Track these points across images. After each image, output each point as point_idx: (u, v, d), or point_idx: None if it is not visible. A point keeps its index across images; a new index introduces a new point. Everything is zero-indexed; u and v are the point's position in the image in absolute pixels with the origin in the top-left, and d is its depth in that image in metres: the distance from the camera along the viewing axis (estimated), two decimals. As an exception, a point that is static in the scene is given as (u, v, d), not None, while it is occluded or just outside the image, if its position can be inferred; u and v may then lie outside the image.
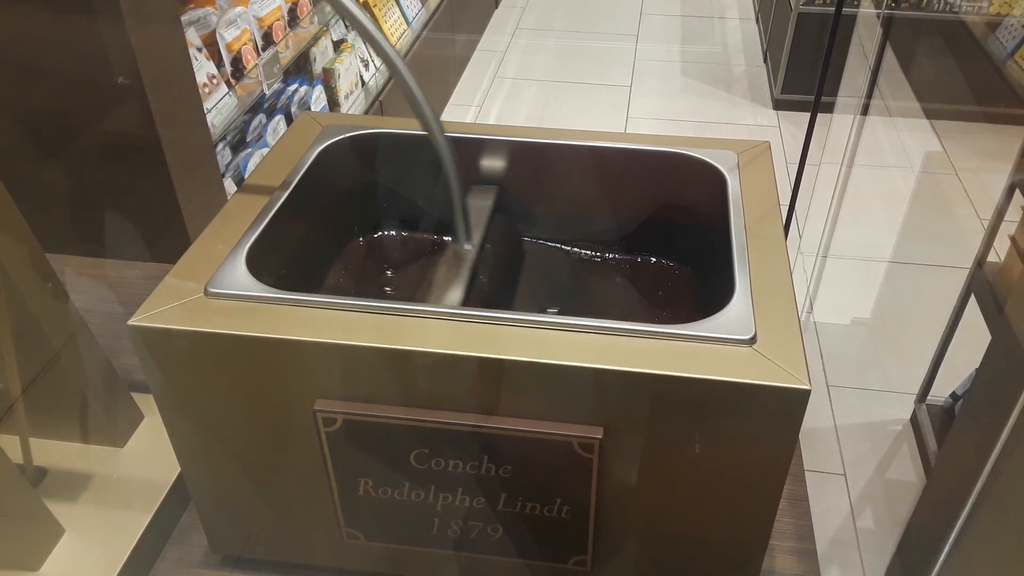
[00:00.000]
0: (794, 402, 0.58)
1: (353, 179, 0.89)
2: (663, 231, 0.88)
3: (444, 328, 0.63)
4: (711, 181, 0.80)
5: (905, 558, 1.59)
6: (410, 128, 0.88)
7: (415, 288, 0.87)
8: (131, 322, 0.64)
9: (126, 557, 0.80)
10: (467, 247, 0.78)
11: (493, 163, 0.88)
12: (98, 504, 0.85)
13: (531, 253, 0.91)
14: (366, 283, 0.87)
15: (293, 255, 0.80)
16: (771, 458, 0.61)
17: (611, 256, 0.90)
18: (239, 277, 0.68)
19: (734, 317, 0.63)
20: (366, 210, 0.92)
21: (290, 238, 0.79)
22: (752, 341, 0.61)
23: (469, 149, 0.88)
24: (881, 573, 1.66)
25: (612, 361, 0.60)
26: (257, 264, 0.70)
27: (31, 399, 0.83)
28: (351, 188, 0.89)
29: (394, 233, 0.93)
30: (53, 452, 0.89)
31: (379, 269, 0.90)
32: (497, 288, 0.80)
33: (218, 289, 0.66)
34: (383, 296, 0.87)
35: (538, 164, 0.86)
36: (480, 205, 0.85)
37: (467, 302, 0.74)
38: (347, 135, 0.86)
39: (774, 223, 0.73)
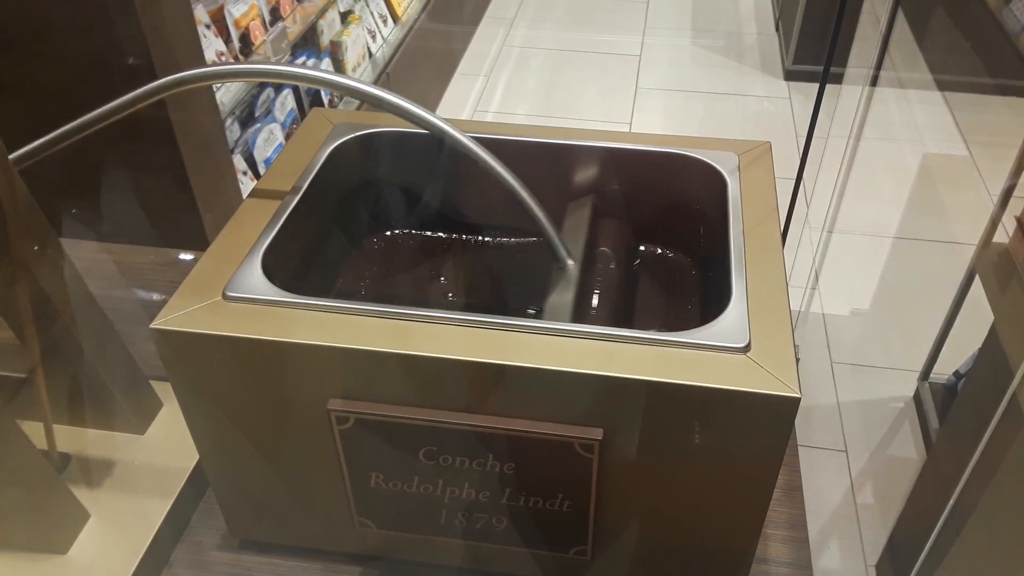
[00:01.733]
0: (784, 409, 0.60)
1: (365, 178, 0.91)
2: (663, 230, 0.90)
3: (452, 333, 0.66)
4: (712, 183, 0.82)
5: (903, 533, 1.63)
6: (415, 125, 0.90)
7: (429, 287, 0.90)
8: (153, 325, 0.67)
9: (149, 540, 0.84)
10: (569, 263, 0.78)
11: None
12: (121, 489, 0.89)
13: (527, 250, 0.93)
14: (380, 283, 0.90)
15: (307, 257, 0.82)
16: (762, 460, 0.64)
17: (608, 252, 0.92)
18: (255, 281, 0.70)
19: (729, 325, 0.65)
20: (379, 209, 0.94)
21: (303, 240, 0.81)
22: (746, 349, 0.63)
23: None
24: (880, 547, 1.70)
25: (612, 368, 0.62)
26: (272, 267, 0.73)
27: (49, 380, 0.85)
28: (363, 187, 0.91)
29: (407, 232, 0.95)
30: (76, 439, 0.93)
31: (393, 268, 0.92)
32: (610, 301, 0.81)
33: (235, 293, 0.69)
34: (399, 295, 0.89)
35: (539, 164, 0.88)
36: (577, 217, 0.84)
37: (583, 321, 0.75)
38: (358, 134, 0.88)
39: (772, 228, 0.75)
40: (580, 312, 0.77)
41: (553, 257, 0.80)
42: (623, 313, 0.83)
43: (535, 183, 0.89)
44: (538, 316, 0.78)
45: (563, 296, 0.76)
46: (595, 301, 0.80)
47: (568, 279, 0.78)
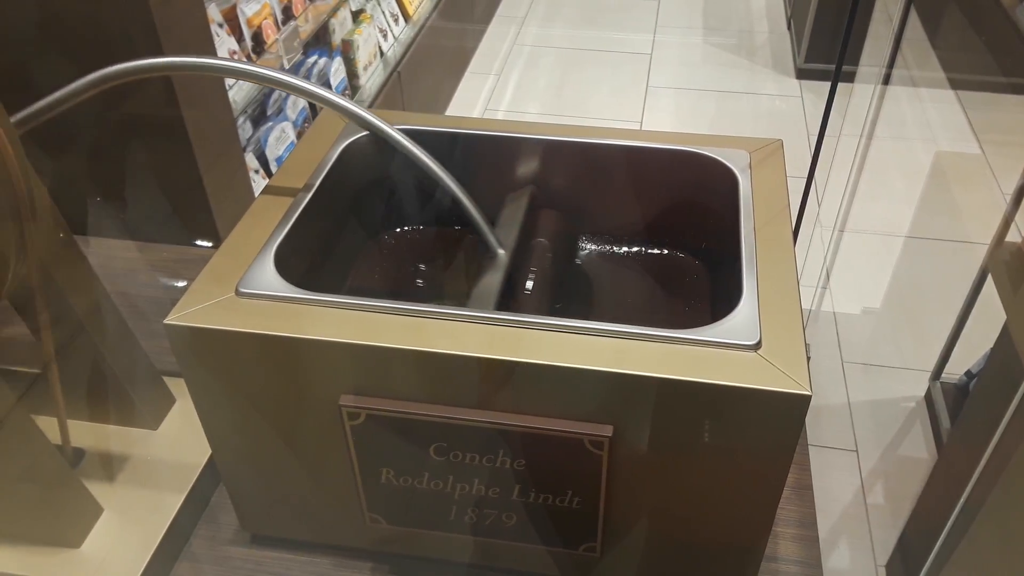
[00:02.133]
0: (795, 406, 0.60)
1: (376, 175, 0.91)
2: (675, 228, 0.90)
3: (464, 330, 0.66)
4: (723, 181, 0.82)
5: (914, 532, 1.62)
6: (432, 124, 0.90)
7: (440, 283, 0.90)
8: (167, 321, 0.68)
9: (162, 534, 0.84)
10: (500, 252, 0.80)
11: (507, 162, 0.90)
12: (134, 484, 0.89)
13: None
14: (392, 279, 0.90)
15: (319, 253, 0.83)
16: (773, 457, 0.64)
17: (623, 250, 0.92)
18: (268, 277, 0.71)
19: (740, 322, 0.65)
20: (390, 206, 0.94)
21: (316, 237, 0.82)
22: (757, 346, 0.63)
23: (482, 147, 0.90)
24: (890, 546, 1.70)
25: (622, 365, 0.63)
26: (285, 263, 0.73)
27: (63, 376, 0.86)
28: (375, 184, 0.92)
29: (419, 228, 0.96)
30: (90, 434, 0.94)
31: (404, 264, 0.92)
32: (544, 291, 0.82)
33: (248, 289, 0.70)
34: (409, 291, 0.90)
35: (550, 161, 0.88)
36: (514, 207, 0.86)
37: (510, 308, 0.76)
38: (365, 132, 0.89)
39: (783, 226, 0.75)
40: (509, 299, 0.78)
41: (484, 247, 0.82)
42: (557, 301, 0.84)
43: (542, 180, 0.90)
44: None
45: (490, 281, 0.77)
46: (528, 285, 0.81)
47: (497, 267, 0.79)
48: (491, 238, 0.81)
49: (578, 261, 0.92)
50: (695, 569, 0.76)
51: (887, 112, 2.88)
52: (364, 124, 0.84)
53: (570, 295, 0.87)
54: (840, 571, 1.70)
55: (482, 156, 0.91)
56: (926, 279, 2.37)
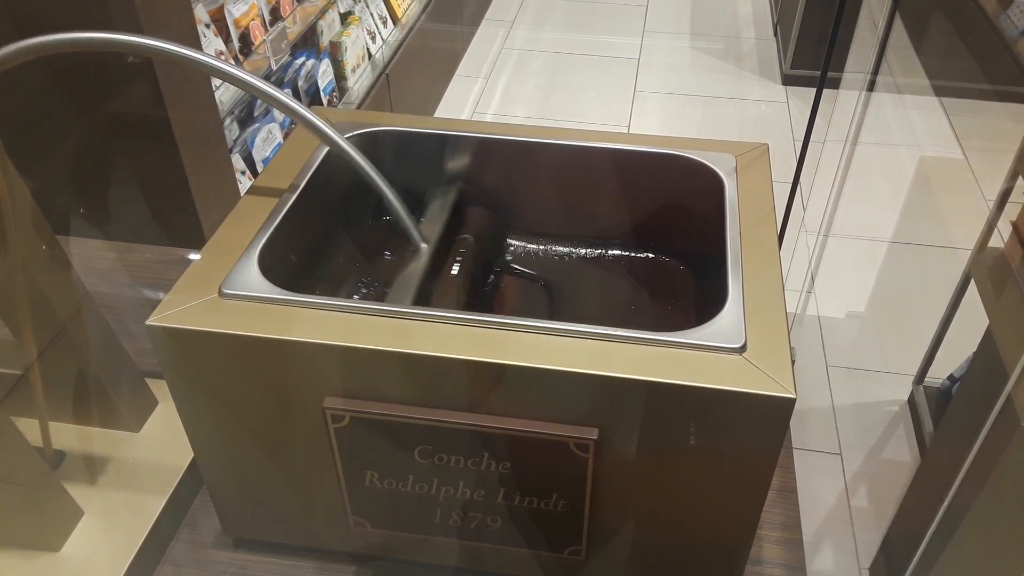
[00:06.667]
0: (780, 409, 0.61)
1: (362, 177, 0.91)
2: (661, 231, 0.90)
3: (448, 332, 0.66)
4: (709, 184, 0.82)
5: (897, 535, 1.63)
6: (417, 125, 0.90)
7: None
8: (149, 322, 0.67)
9: (143, 538, 0.84)
10: (422, 246, 0.81)
11: (495, 162, 0.90)
12: (115, 487, 0.89)
13: (526, 250, 0.93)
14: (375, 278, 0.90)
15: (303, 255, 0.82)
16: (757, 460, 0.64)
17: (610, 253, 0.93)
18: (251, 279, 0.70)
19: (725, 326, 0.65)
20: (376, 208, 0.94)
21: (300, 238, 0.81)
22: (742, 350, 0.63)
23: (474, 149, 0.90)
24: (874, 549, 1.70)
25: (608, 367, 0.62)
26: (268, 264, 0.73)
27: (45, 377, 0.86)
28: (360, 186, 0.91)
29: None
30: (71, 436, 0.93)
31: (389, 267, 0.92)
32: (470, 284, 0.82)
33: (232, 290, 0.69)
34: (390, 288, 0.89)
35: (538, 164, 0.88)
36: (440, 203, 0.86)
37: (425, 302, 0.77)
38: (355, 133, 0.88)
39: (769, 229, 0.75)
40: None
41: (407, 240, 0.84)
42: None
43: (531, 181, 0.90)
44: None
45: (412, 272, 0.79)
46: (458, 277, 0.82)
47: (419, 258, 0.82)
48: (414, 232, 0.82)
49: (564, 263, 0.92)
50: (680, 572, 0.76)
51: (872, 118, 2.90)
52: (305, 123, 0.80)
53: (557, 297, 0.87)
54: (824, 574, 1.70)
55: (470, 157, 0.91)
56: (910, 284, 2.39)
